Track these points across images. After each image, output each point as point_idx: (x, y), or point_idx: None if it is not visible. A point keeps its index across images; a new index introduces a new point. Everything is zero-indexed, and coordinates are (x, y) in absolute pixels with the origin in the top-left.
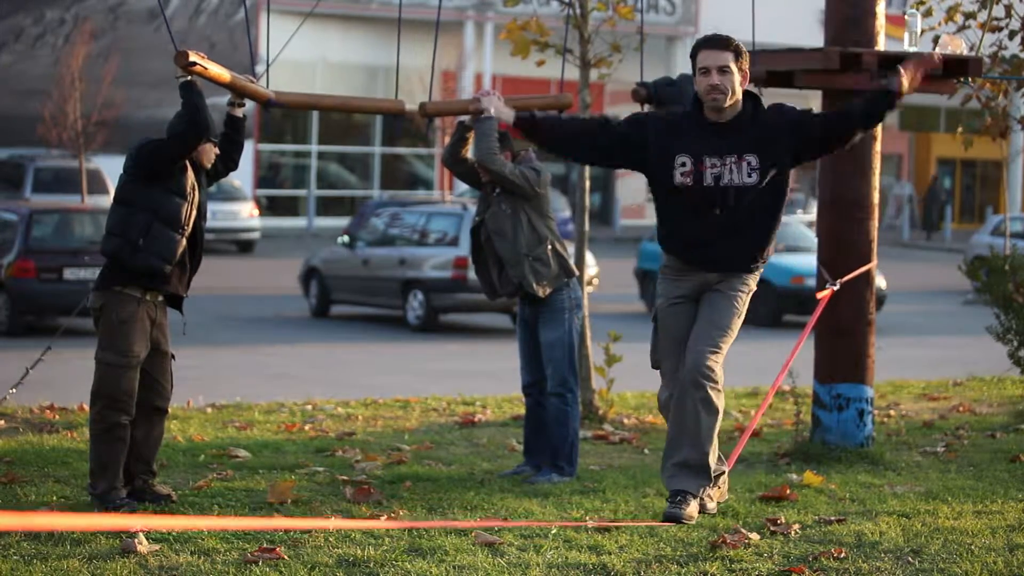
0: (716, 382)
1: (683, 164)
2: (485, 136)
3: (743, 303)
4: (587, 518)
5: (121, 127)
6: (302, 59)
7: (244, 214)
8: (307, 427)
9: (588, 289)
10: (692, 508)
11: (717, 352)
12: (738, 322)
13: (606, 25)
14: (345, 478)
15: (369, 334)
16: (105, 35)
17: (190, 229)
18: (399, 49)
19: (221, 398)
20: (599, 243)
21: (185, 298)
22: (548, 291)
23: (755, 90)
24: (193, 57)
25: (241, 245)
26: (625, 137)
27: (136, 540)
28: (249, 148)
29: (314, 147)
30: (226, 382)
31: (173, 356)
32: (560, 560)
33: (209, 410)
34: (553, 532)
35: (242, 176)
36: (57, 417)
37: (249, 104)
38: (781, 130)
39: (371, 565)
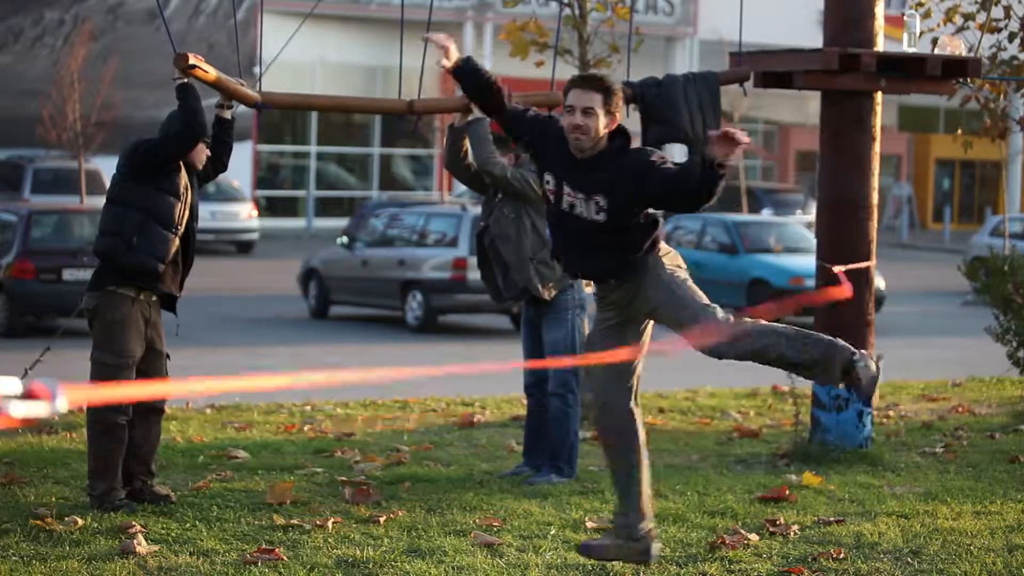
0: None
1: (548, 181)
2: (481, 140)
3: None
4: (586, 519)
5: (120, 128)
6: (301, 60)
7: (243, 215)
8: (306, 428)
9: (587, 290)
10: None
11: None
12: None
13: (605, 25)
14: (344, 479)
15: (368, 335)
16: (104, 36)
17: (183, 229)
18: (402, 48)
19: (220, 399)
20: None
21: (178, 298)
22: (553, 293)
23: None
24: (192, 60)
25: (240, 246)
26: (529, 125)
27: (135, 541)
28: (248, 149)
29: (313, 148)
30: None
31: (168, 356)
32: (559, 561)
33: (208, 411)
34: (552, 533)
35: (241, 177)
36: (56, 418)
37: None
38: (630, 176)
39: (370, 566)
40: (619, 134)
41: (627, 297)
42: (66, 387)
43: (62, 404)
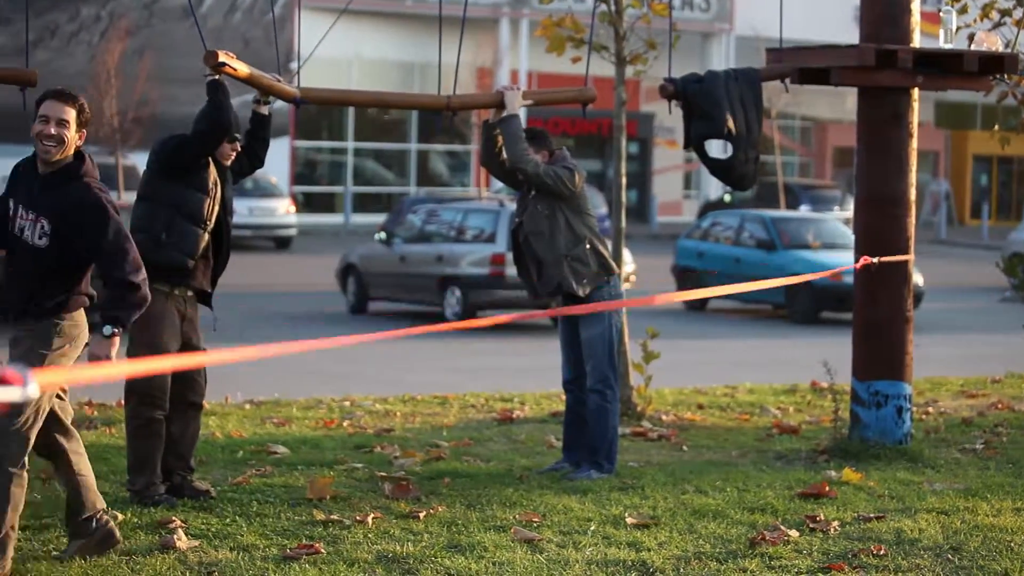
0: None
1: (12, 209)
2: (513, 138)
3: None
4: (626, 515)
5: (157, 124)
6: (337, 56)
7: (281, 211)
8: (345, 423)
9: (625, 286)
10: None
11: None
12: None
13: (641, 22)
14: (384, 474)
15: None
16: (140, 32)
17: (213, 224)
18: (440, 44)
19: (259, 394)
20: (636, 240)
21: (211, 293)
22: (588, 290)
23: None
24: (222, 57)
25: (278, 242)
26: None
27: (175, 536)
28: (285, 145)
29: (350, 144)
30: (264, 378)
31: (205, 351)
32: (600, 557)
33: (247, 406)
34: (592, 528)
35: (279, 173)
36: (95, 413)
37: (281, 102)
38: (77, 209)
39: (410, 561)
40: (79, 159)
41: None
42: (36, 372)
43: (33, 390)
